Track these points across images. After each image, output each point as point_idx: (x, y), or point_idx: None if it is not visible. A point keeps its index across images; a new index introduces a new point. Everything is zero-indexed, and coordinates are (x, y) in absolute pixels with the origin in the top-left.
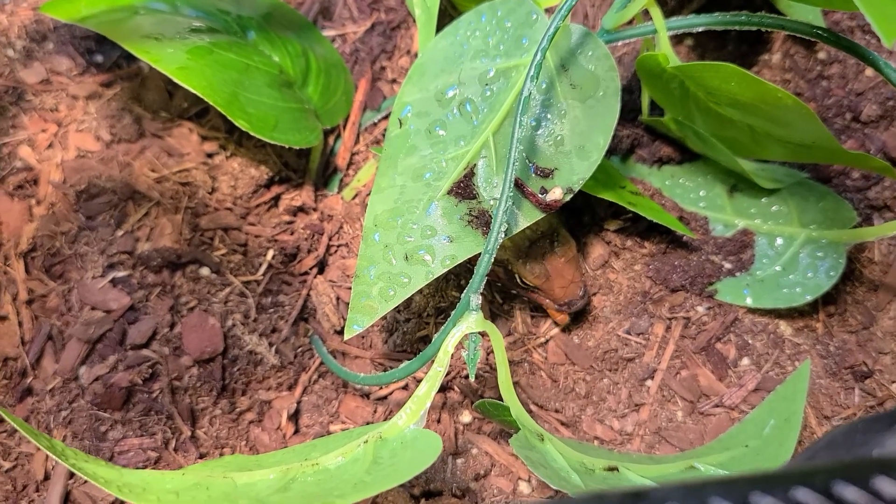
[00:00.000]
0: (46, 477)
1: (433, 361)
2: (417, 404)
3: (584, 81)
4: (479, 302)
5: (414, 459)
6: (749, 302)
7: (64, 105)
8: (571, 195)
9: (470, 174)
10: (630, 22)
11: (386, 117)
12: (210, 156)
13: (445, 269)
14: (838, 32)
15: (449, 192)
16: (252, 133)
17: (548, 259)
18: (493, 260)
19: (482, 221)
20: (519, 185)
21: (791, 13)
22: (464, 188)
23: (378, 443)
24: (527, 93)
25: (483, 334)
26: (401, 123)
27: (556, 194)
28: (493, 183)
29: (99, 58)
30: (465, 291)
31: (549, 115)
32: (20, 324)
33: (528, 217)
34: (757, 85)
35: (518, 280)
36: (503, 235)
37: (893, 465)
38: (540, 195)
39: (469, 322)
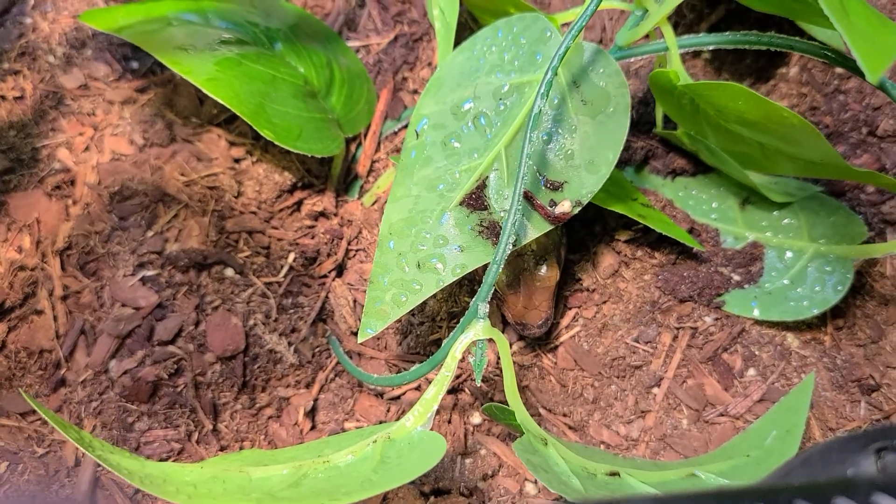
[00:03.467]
0: (77, 463)
1: (442, 365)
2: (425, 407)
3: (595, 98)
4: (487, 310)
5: (419, 460)
6: (756, 314)
7: (100, 110)
8: (580, 208)
9: (482, 186)
10: (647, 36)
11: (406, 127)
12: (237, 161)
13: (456, 278)
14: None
15: (461, 203)
16: (277, 143)
17: (524, 276)
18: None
19: (492, 232)
20: (529, 198)
21: (811, 30)
22: (475, 199)
23: (386, 443)
24: (536, 110)
25: (491, 340)
26: (417, 135)
27: (564, 207)
28: (504, 195)
29: (134, 64)
30: (473, 299)
31: (560, 130)
32: (55, 318)
33: (537, 228)
34: (763, 104)
35: None
36: (512, 247)
37: (857, 486)
38: (549, 207)
39: (476, 329)
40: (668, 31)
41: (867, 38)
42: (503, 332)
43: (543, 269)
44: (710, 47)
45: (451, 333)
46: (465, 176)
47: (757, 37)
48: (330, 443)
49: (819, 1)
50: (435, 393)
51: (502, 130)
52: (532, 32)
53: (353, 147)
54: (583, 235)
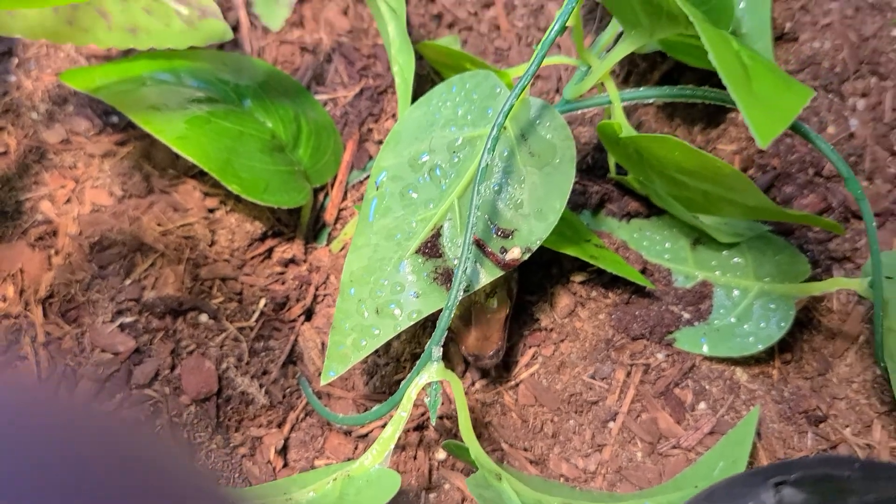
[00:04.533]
0: None
1: (399, 406)
2: (382, 446)
3: (542, 150)
4: (440, 354)
5: (375, 496)
6: (705, 350)
7: (81, 163)
8: (529, 254)
9: (437, 235)
10: (595, 88)
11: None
12: (211, 211)
13: (412, 323)
14: None
15: (417, 252)
16: (244, 196)
17: (475, 309)
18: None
19: (446, 278)
20: (480, 245)
21: None
22: (431, 248)
23: (346, 480)
24: (484, 164)
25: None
26: (377, 187)
27: (514, 254)
28: (458, 243)
29: (114, 118)
30: (428, 343)
31: (510, 181)
32: (38, 363)
33: (490, 274)
34: (698, 156)
35: None
36: (464, 292)
37: None
38: (500, 254)
39: (430, 372)
40: (610, 85)
41: (765, 103)
42: (465, 371)
43: (494, 303)
44: (651, 100)
45: (409, 375)
46: (420, 225)
47: (692, 91)
48: (296, 481)
49: (717, 69)
50: (391, 432)
51: (455, 182)
52: (483, 89)
53: (321, 196)
54: (540, 277)
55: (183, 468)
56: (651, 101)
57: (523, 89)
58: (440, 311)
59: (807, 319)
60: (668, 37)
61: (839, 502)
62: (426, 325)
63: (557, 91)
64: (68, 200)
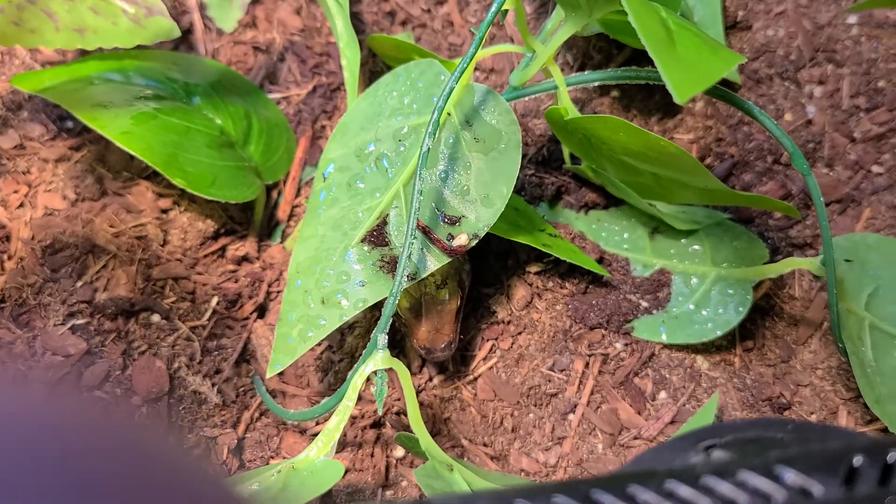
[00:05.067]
0: None
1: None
2: (327, 437)
3: (487, 136)
4: (386, 341)
5: (317, 484)
6: (664, 338)
7: (35, 168)
8: (477, 240)
9: (383, 223)
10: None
11: None
12: (164, 211)
13: (357, 311)
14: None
15: (363, 240)
16: (189, 190)
17: (426, 301)
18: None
19: (392, 267)
20: (426, 232)
21: None
22: (377, 236)
23: (290, 472)
24: (425, 148)
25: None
26: (325, 178)
27: (461, 240)
28: (404, 231)
29: (69, 123)
30: (374, 332)
31: (455, 168)
32: None
33: (437, 260)
34: (642, 135)
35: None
36: (408, 280)
37: (654, 475)
38: (446, 241)
39: (376, 360)
40: (555, 70)
41: (688, 65)
42: (423, 366)
43: (445, 294)
44: (596, 84)
45: (355, 366)
46: (367, 214)
47: (635, 72)
48: (245, 477)
49: (638, 32)
50: (337, 423)
51: (401, 170)
52: (428, 77)
53: (274, 194)
54: (496, 269)
55: (200, 468)
56: (600, 87)
57: (462, 72)
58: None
59: (769, 307)
60: (607, 16)
61: (761, 457)
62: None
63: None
64: (21, 205)
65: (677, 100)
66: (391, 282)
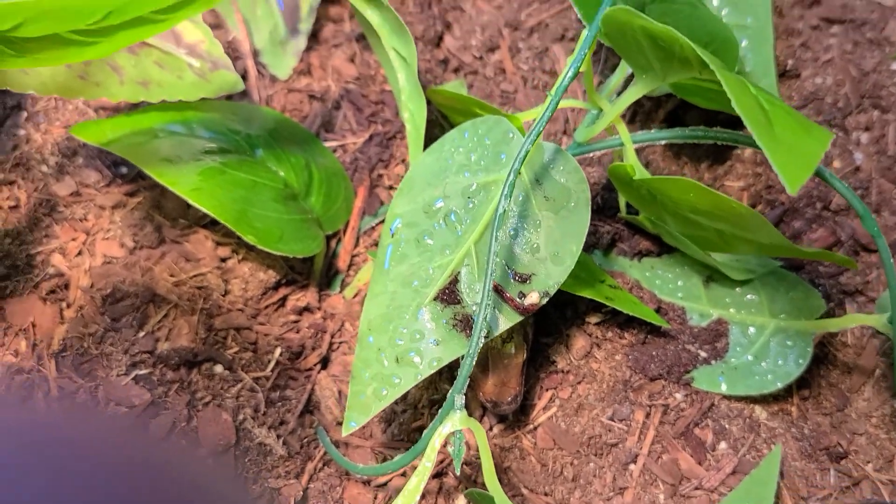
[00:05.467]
0: None
1: (423, 456)
2: (408, 499)
3: (556, 194)
4: (463, 402)
5: None
6: (724, 389)
7: (92, 215)
8: (548, 298)
9: (455, 281)
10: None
11: (382, 222)
12: (223, 260)
13: (432, 371)
14: None
15: (435, 298)
16: (259, 247)
17: (492, 355)
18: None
19: (466, 325)
20: (498, 291)
21: None
22: (449, 294)
23: None
24: (501, 210)
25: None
26: (392, 234)
27: (532, 298)
28: (476, 289)
29: (123, 169)
30: (450, 391)
31: (525, 226)
32: None
33: (509, 319)
34: (712, 196)
35: None
36: (483, 340)
37: None
38: (518, 299)
39: (454, 420)
40: (622, 128)
41: (789, 148)
42: (483, 416)
43: (511, 348)
44: (663, 143)
45: (431, 424)
46: (438, 272)
47: (704, 132)
48: None
49: (742, 117)
50: (417, 483)
51: (472, 227)
52: (495, 134)
53: (333, 243)
54: (555, 319)
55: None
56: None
57: (538, 135)
58: (459, 357)
59: (822, 354)
60: (679, 80)
61: None
62: (441, 371)
63: (565, 132)
64: (79, 253)
65: (790, 191)
66: (464, 340)
